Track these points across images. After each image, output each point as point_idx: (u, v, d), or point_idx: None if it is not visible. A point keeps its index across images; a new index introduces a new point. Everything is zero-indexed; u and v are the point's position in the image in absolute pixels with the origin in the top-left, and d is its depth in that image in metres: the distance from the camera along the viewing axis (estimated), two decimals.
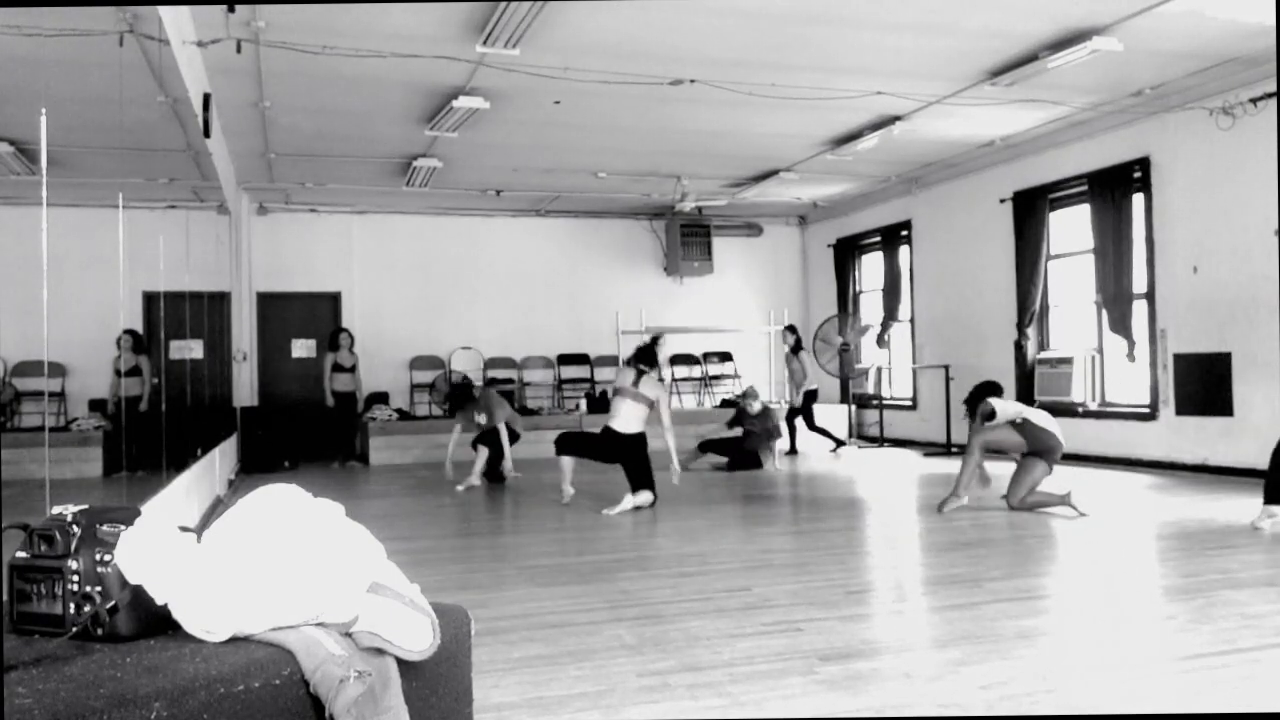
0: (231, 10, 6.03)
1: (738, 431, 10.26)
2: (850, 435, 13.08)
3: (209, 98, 7.11)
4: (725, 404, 13.51)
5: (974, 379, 9.85)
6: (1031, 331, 10.40)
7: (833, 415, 13.16)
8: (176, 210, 8.07)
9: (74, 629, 1.63)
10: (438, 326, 13.07)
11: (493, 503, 8.05)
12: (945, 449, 11.10)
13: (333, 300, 12.80)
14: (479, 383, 12.88)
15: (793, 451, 11.46)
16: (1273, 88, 7.63)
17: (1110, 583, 4.81)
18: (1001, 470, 7.01)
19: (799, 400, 11.62)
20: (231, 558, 1.68)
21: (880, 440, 12.54)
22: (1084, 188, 9.68)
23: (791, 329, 11.94)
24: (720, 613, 4.02)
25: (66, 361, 9.30)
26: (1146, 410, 9.09)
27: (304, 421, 11.63)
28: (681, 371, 14.05)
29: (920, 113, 8.86)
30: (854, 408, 13.29)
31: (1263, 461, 7.88)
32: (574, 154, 10.47)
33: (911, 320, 12.48)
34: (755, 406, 10.22)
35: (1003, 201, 10.70)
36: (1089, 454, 9.45)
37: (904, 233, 12.54)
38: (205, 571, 1.67)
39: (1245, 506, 6.52)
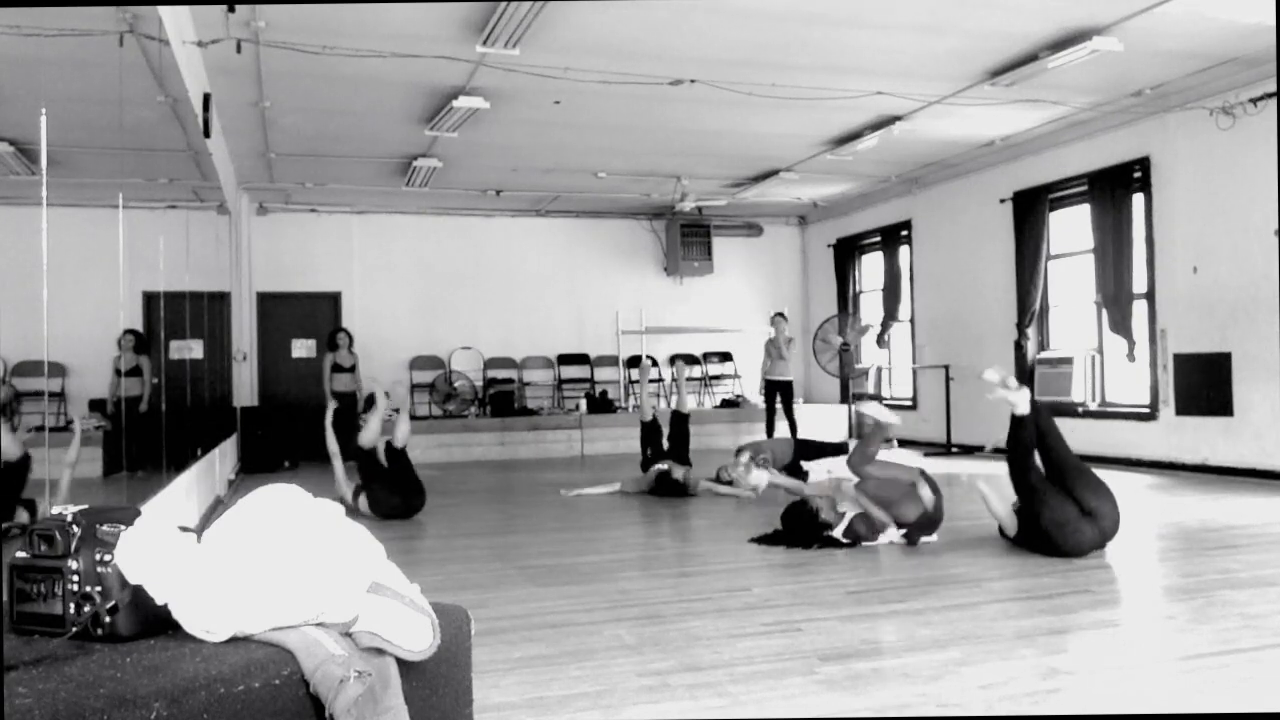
0: (231, 10, 6.02)
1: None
2: (850, 435, 13.07)
3: (209, 98, 7.11)
4: (725, 404, 13.52)
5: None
6: (1031, 331, 10.39)
7: (833, 415, 13.18)
8: (176, 210, 8.06)
9: (74, 629, 1.63)
10: (438, 326, 13.06)
11: (492, 503, 8.04)
12: (945, 449, 11.10)
13: (333, 300, 12.79)
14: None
15: None
16: (1273, 88, 7.63)
17: (1110, 583, 4.81)
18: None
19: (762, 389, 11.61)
20: (231, 558, 1.68)
21: None
22: (1084, 188, 9.68)
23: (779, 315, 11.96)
24: (720, 613, 4.02)
25: (66, 361, 9.29)
26: (1146, 410, 9.09)
27: (304, 421, 11.61)
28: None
29: (920, 113, 8.86)
30: (854, 407, 13.28)
31: (1263, 461, 7.96)
32: (574, 154, 10.46)
33: (911, 320, 12.48)
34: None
35: (1003, 201, 10.70)
36: (1089, 454, 9.40)
37: (904, 233, 12.53)
38: (205, 571, 1.67)
39: (1246, 506, 6.52)
